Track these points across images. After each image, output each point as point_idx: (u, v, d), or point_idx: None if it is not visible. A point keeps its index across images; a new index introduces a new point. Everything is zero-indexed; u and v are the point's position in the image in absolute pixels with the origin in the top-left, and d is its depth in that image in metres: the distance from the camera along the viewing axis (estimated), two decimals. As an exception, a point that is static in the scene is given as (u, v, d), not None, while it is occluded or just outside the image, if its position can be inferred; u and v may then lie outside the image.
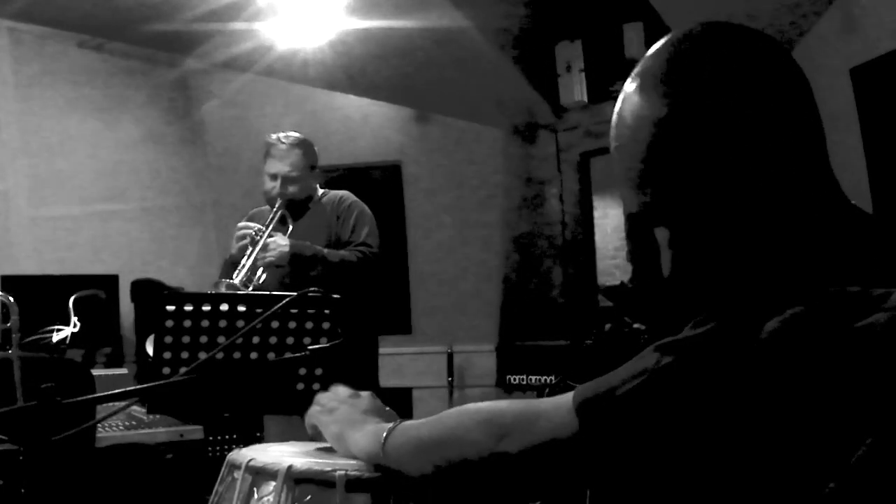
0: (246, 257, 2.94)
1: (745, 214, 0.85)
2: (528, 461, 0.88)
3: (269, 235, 2.97)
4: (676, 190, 0.87)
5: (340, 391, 1.21)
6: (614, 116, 0.93)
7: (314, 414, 1.20)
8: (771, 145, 0.84)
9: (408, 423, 1.05)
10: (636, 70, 0.91)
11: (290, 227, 3.09)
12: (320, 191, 3.24)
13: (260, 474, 1.09)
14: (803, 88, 0.88)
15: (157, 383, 1.37)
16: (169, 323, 1.80)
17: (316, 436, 1.21)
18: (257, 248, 2.94)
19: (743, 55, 0.86)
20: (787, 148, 0.85)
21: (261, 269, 2.96)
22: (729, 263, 0.87)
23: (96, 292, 4.45)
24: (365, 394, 1.20)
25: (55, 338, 2.97)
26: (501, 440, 0.89)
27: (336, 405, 1.18)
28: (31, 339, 3.29)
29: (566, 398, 0.86)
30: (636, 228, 0.94)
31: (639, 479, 0.83)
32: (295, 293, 1.59)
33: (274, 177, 3.09)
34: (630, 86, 0.91)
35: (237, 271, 2.91)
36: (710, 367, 0.77)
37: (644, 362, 0.82)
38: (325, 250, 2.98)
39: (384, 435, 1.04)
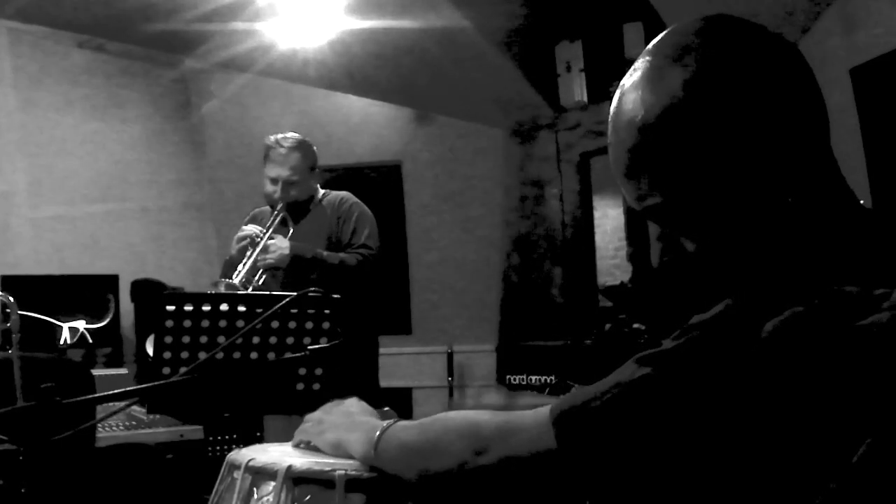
0: (246, 258, 2.94)
1: (750, 212, 0.84)
2: (506, 474, 0.88)
3: (270, 237, 2.97)
4: (670, 185, 0.87)
5: (326, 407, 1.21)
6: (612, 110, 0.92)
7: (305, 430, 1.20)
8: (776, 140, 0.83)
9: (399, 425, 1.04)
10: (635, 65, 0.91)
11: (291, 230, 3.09)
12: (321, 191, 3.23)
13: (260, 474, 1.09)
14: (808, 81, 0.86)
15: (157, 383, 1.36)
16: (169, 323, 1.81)
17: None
18: (257, 250, 2.94)
19: (745, 47, 0.85)
20: (792, 144, 0.84)
21: (260, 271, 2.96)
22: (729, 260, 0.87)
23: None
24: (350, 399, 1.20)
25: (79, 326, 2.95)
26: (481, 453, 0.89)
27: (323, 416, 1.18)
28: (68, 348, 3.27)
29: (544, 411, 0.86)
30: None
31: (620, 491, 0.82)
32: (295, 293, 1.59)
33: (274, 181, 3.08)
34: (628, 80, 0.90)
35: (237, 272, 2.91)
36: (689, 379, 0.76)
37: (621, 374, 0.82)
38: (325, 252, 2.98)
39: (376, 435, 1.04)
